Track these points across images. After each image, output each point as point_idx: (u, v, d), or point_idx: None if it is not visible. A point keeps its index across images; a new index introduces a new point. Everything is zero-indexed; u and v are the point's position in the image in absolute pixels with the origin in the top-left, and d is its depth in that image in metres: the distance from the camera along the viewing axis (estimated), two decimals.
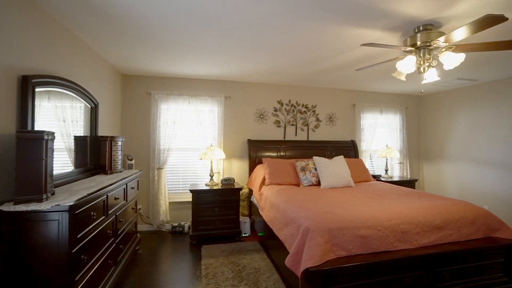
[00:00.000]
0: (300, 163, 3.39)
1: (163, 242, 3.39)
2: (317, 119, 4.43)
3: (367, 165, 4.60)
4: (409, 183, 4.16)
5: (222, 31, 2.25)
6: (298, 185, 3.31)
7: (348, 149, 4.35)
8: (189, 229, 3.70)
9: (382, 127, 4.77)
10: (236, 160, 4.08)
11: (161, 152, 3.75)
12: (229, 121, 4.07)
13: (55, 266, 1.34)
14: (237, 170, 4.08)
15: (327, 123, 4.48)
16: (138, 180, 3.00)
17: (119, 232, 2.26)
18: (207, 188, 3.42)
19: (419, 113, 5.12)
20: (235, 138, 4.09)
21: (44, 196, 1.37)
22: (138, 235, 3.06)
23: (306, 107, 4.38)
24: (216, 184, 3.61)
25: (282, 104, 4.28)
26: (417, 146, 5.09)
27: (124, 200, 2.43)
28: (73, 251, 1.39)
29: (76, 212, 1.43)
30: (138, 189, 3.02)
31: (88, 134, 2.59)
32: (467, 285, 2.10)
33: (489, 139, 3.95)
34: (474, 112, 4.16)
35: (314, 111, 4.42)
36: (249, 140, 4.03)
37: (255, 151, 3.97)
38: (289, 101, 4.31)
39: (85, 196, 1.54)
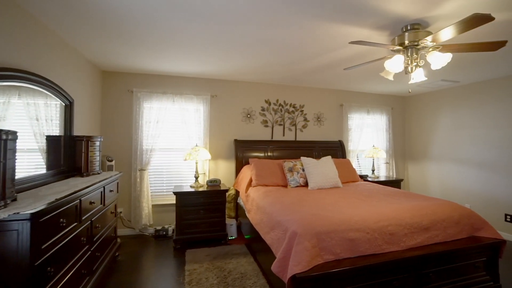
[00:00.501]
0: (288, 164, 3.33)
1: (146, 247, 3.24)
2: (305, 119, 4.39)
3: (354, 165, 4.61)
4: (395, 183, 4.19)
5: (206, 25, 2.15)
6: (285, 186, 3.24)
7: (336, 149, 4.34)
8: (173, 232, 3.56)
9: (369, 127, 4.80)
10: (222, 161, 3.97)
11: (143, 153, 3.59)
12: (215, 120, 3.96)
13: (14, 281, 1.19)
14: (223, 171, 3.97)
15: (315, 123, 4.45)
16: (118, 182, 2.84)
17: (95, 239, 2.11)
18: (192, 190, 3.29)
19: (404, 113, 5.19)
20: (221, 138, 3.98)
21: (2, 203, 1.22)
22: (118, 240, 2.90)
23: (294, 107, 4.34)
24: (201, 186, 3.49)
25: (269, 104, 4.21)
26: (402, 146, 5.16)
27: (101, 204, 2.28)
28: (36, 263, 1.25)
29: (41, 220, 1.29)
30: (118, 192, 2.86)
31: (62, 134, 2.41)
32: (452, 285, 2.10)
33: (470, 139, 4.05)
34: (456, 113, 4.25)
35: (302, 111, 4.38)
36: (235, 140, 3.93)
37: (242, 151, 3.88)
38: (277, 101, 4.25)
39: (53, 202, 1.40)
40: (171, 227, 3.62)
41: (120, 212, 3.50)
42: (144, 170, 3.57)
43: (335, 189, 3.05)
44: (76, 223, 1.73)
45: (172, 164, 3.83)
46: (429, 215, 2.13)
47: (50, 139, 2.21)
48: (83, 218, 1.85)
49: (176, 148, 3.84)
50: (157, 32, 2.29)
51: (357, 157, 4.71)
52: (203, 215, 3.27)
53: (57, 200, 1.43)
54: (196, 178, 3.53)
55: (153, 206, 3.68)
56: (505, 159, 3.60)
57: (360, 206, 2.22)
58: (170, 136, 3.81)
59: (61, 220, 1.49)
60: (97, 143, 2.66)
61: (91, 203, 2.02)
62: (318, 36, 2.30)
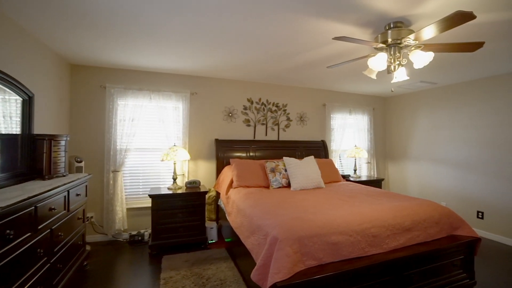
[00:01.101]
0: (270, 164, 3.24)
1: (119, 254, 3.02)
2: (288, 119, 4.33)
3: (337, 165, 4.62)
4: (376, 183, 4.23)
5: (185, 17, 2.00)
6: (267, 187, 3.15)
7: (319, 149, 4.31)
8: (149, 237, 3.36)
9: (351, 127, 4.82)
10: (202, 161, 3.81)
11: (117, 153, 3.36)
12: (195, 119, 3.79)
13: None
14: (203, 172, 3.82)
15: (298, 122, 4.40)
16: (87, 185, 2.62)
17: (56, 249, 1.90)
18: (170, 192, 3.12)
19: (385, 114, 5.27)
20: (201, 137, 3.82)
21: None
22: (88, 248, 2.68)
23: (277, 106, 4.26)
24: (180, 188, 3.32)
25: (252, 102, 4.11)
26: (383, 146, 5.24)
27: (64, 210, 2.06)
28: None
29: None
30: (87, 196, 2.64)
31: (20, 132, 2.17)
32: (433, 285, 2.09)
33: (446, 139, 4.16)
34: (433, 113, 4.36)
35: (285, 110, 4.30)
36: (216, 140, 3.79)
37: (223, 151, 3.74)
38: (260, 99, 4.15)
39: None
40: (147, 231, 3.42)
41: (91, 217, 3.26)
42: (118, 171, 3.34)
43: (317, 189, 3.00)
44: (30, 234, 1.53)
45: (149, 165, 3.62)
46: (411, 215, 2.11)
47: (4, 138, 1.97)
48: (40, 227, 1.65)
49: (153, 148, 3.63)
50: (132, 23, 2.10)
51: (340, 157, 4.72)
52: (182, 219, 3.10)
53: (1, 208, 1.24)
54: (174, 179, 3.35)
55: (128, 209, 3.45)
56: (479, 158, 3.72)
57: (342, 208, 2.16)
58: (146, 135, 3.60)
59: (8, 232, 1.30)
60: (63, 143, 2.43)
61: (51, 209, 1.81)
62: (301, 32, 2.22)
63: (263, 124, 4.16)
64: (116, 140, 3.37)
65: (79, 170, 2.92)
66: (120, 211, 3.32)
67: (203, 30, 2.23)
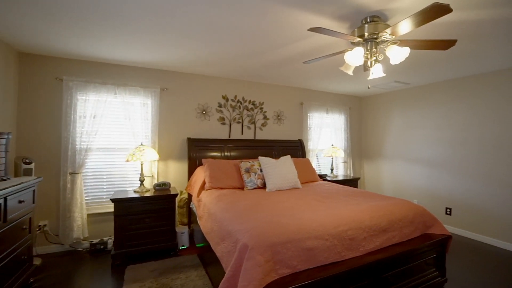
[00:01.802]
0: (245, 164, 3.08)
1: (76, 265, 2.71)
2: (265, 117, 4.20)
3: (314, 164, 4.57)
4: (352, 182, 4.23)
5: (142, 2, 1.79)
6: (242, 188, 2.99)
7: (296, 149, 4.22)
8: (113, 245, 3.07)
9: (328, 126, 4.80)
10: (173, 162, 3.57)
11: (76, 153, 3.03)
12: (165, 116, 3.54)
13: None
14: (174, 173, 3.57)
15: (275, 121, 4.29)
16: (35, 190, 2.29)
17: None
18: (136, 195, 2.85)
19: (361, 113, 5.33)
20: (172, 136, 3.58)
21: None
22: (37, 261, 2.36)
23: (253, 104, 4.11)
24: (148, 190, 3.06)
25: (227, 100, 3.93)
26: (359, 145, 5.29)
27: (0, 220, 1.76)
28: None
29: None
30: (34, 202, 2.31)
31: None
32: (407, 285, 2.05)
33: (418, 138, 4.26)
34: (406, 113, 4.45)
35: (261, 108, 4.17)
36: (189, 139, 3.57)
37: (196, 151, 3.53)
38: (235, 97, 3.98)
39: None
40: (111, 239, 3.12)
41: (44, 226, 2.90)
42: (77, 173, 3.01)
43: (294, 190, 2.89)
44: None
45: (114, 166, 3.31)
46: (387, 215, 2.06)
47: None
48: None
49: (118, 147, 3.33)
50: (84, 6, 1.84)
51: (317, 156, 4.68)
52: (149, 224, 2.86)
53: None
54: (141, 181, 3.09)
55: (90, 215, 3.13)
56: (448, 157, 3.84)
57: (319, 209, 2.06)
58: (111, 134, 3.30)
59: None
60: (3, 141, 2.10)
61: None
62: (276, 23, 2.09)
63: (239, 122, 4.00)
64: (75, 139, 3.04)
65: (27, 173, 2.58)
66: (79, 217, 2.99)
67: (172, 20, 2.02)
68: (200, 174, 3.14)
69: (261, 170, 3.05)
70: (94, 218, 3.16)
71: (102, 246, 3.04)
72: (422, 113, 4.22)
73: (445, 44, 1.97)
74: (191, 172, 3.44)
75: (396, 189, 4.58)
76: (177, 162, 3.59)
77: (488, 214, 3.41)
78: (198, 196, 2.85)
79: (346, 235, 1.75)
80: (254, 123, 4.11)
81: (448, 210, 3.84)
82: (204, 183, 2.96)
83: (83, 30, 2.28)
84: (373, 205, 2.20)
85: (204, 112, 3.77)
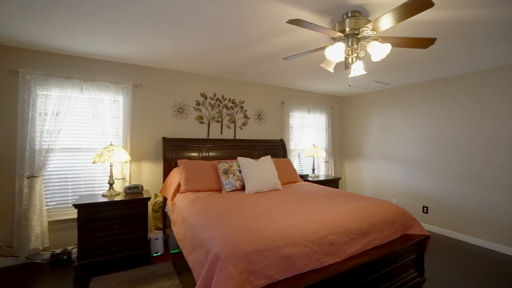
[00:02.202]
0: (223, 165, 2.93)
1: (34, 280, 2.43)
2: (245, 116, 4.07)
3: (296, 164, 4.50)
4: (333, 182, 4.20)
5: None
6: (220, 190, 2.84)
7: (277, 149, 4.13)
8: (77, 256, 2.81)
9: (309, 126, 4.75)
10: (147, 163, 3.35)
11: (36, 154, 2.73)
12: (138, 114, 3.31)
13: None
14: (148, 175, 3.35)
15: (255, 120, 4.17)
16: None
17: None
18: (104, 199, 2.62)
19: (342, 113, 5.34)
20: (146, 135, 3.36)
21: None
22: None
23: (233, 102, 3.97)
24: (118, 194, 2.83)
25: (206, 98, 3.75)
26: (340, 145, 5.30)
27: None
28: None
29: None
30: None
31: None
32: None
33: (397, 138, 4.31)
34: (386, 113, 4.50)
35: (242, 107, 4.04)
36: (164, 139, 3.36)
37: (172, 151, 3.33)
38: (214, 95, 3.82)
39: None
40: (76, 248, 2.86)
41: None
42: (36, 176, 2.72)
43: (274, 192, 2.78)
44: None
45: (80, 168, 3.04)
46: (368, 217, 2.00)
47: None
48: None
49: (86, 148, 3.06)
50: None
51: (299, 156, 4.62)
52: (118, 231, 2.63)
53: None
54: (111, 184, 2.85)
55: (52, 223, 2.84)
56: (426, 156, 3.90)
57: (298, 212, 1.96)
58: (77, 133, 3.02)
59: None
60: None
61: None
62: (255, 15, 1.96)
63: (218, 121, 3.84)
64: (34, 138, 2.75)
65: None
66: (38, 225, 2.70)
67: (138, 6, 1.84)
68: (176, 176, 2.95)
69: (240, 171, 2.91)
70: (57, 225, 2.88)
71: (65, 257, 2.77)
72: (400, 113, 4.27)
73: (425, 42, 1.94)
74: (166, 173, 3.24)
75: (376, 188, 4.62)
76: (151, 163, 3.37)
77: (462, 212, 3.49)
78: (172, 199, 2.67)
79: (326, 240, 1.66)
80: (234, 122, 3.97)
81: (425, 208, 3.91)
82: (179, 185, 2.78)
83: (43, 17, 2.03)
84: (354, 206, 2.14)
85: (181, 110, 3.58)
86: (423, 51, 2.69)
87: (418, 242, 2.26)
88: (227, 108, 3.91)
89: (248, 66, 3.29)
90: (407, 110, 4.17)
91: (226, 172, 2.87)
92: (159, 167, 3.40)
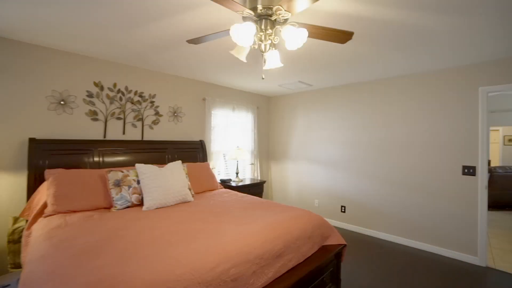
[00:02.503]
0: (114, 175, 2.26)
1: None
2: (157, 113, 3.42)
3: (221, 168, 4.08)
4: (258, 186, 3.96)
5: None
6: (109, 208, 2.18)
7: (196, 151, 3.62)
8: None
9: (235, 126, 4.39)
10: (3, 174, 2.38)
11: None
12: None
13: None
14: (5, 192, 2.39)
15: (170, 118, 3.56)
16: None
17: None
18: None
19: (269, 113, 5.19)
20: (2, 135, 2.39)
21: None
22: None
23: (141, 96, 3.27)
24: None
25: (102, 88, 2.96)
26: (266, 146, 5.13)
27: None
28: None
29: None
30: None
31: None
32: None
33: (318, 139, 4.36)
34: (309, 115, 4.51)
35: (152, 102, 3.37)
36: (32, 140, 2.45)
37: (46, 157, 2.45)
38: (115, 85, 3.05)
39: None
40: None
41: None
42: None
43: (181, 206, 2.27)
44: None
45: None
46: (283, 235, 1.71)
47: None
48: None
49: None
50: None
51: (225, 158, 4.21)
52: None
53: None
54: None
55: None
56: (344, 157, 4.02)
57: (199, 238, 1.52)
58: None
59: None
60: None
61: None
62: None
63: (119, 118, 3.09)
64: None
65: None
66: None
67: None
68: (45, 192, 2.14)
69: (138, 182, 2.30)
70: None
71: None
72: (321, 115, 4.32)
73: (343, 35, 1.76)
74: (33, 188, 2.36)
75: (300, 190, 4.59)
76: (10, 175, 2.41)
77: (374, 210, 3.68)
78: (29, 227, 1.88)
79: (227, 276, 1.26)
80: (142, 120, 3.27)
81: (343, 208, 4.02)
82: (45, 206, 2.00)
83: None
84: (269, 222, 1.82)
85: (63, 102, 2.70)
86: (340, 52, 2.61)
87: (335, 255, 2.12)
88: (132, 103, 3.19)
89: (154, 51, 2.69)
90: (327, 113, 4.25)
91: (118, 184, 2.22)
92: (20, 181, 2.46)
